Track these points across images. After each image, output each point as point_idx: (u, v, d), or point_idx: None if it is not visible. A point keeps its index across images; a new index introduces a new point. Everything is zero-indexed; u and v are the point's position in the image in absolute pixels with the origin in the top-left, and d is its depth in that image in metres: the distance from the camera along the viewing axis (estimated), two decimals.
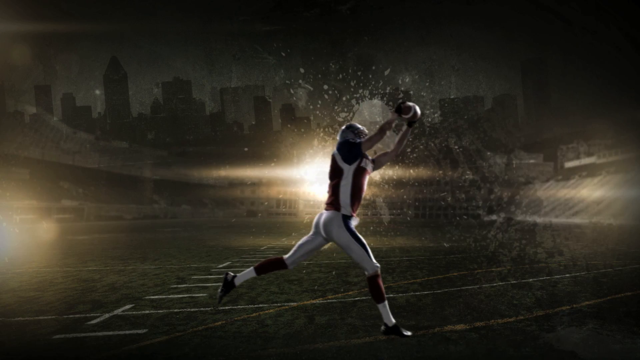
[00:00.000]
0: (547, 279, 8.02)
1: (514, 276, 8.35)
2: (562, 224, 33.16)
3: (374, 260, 4.13)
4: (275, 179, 72.38)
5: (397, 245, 15.33)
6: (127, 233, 25.51)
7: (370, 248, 4.28)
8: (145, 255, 12.76)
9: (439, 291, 6.97)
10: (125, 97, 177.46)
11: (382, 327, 4.19)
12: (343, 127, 4.44)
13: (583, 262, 10.29)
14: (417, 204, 70.80)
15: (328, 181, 4.23)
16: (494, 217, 42.47)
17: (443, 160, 68.19)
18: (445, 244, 14.38)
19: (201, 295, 6.91)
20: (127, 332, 4.94)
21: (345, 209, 4.03)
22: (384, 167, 4.44)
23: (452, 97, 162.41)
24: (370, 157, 4.35)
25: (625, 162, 53.93)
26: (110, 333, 4.90)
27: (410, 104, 4.22)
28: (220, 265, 10.42)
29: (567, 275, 8.56)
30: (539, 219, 39.22)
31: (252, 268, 4.41)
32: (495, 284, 7.60)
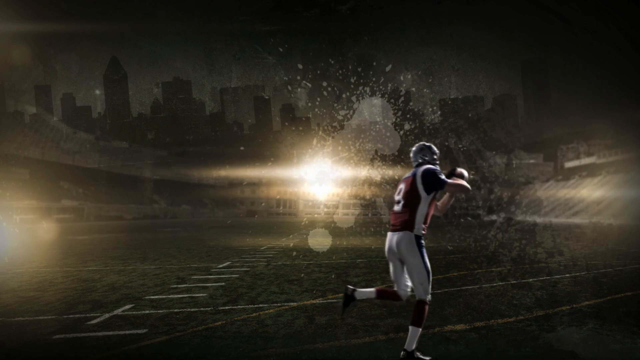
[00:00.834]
0: (547, 279, 8.02)
1: (514, 276, 8.35)
2: (562, 224, 33.14)
3: (430, 290, 4.23)
4: (275, 179, 72.31)
5: None
6: (127, 233, 25.51)
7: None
8: (145, 255, 12.76)
9: (439, 291, 6.97)
10: (125, 97, 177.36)
11: (402, 353, 4.06)
12: (421, 145, 4.42)
13: (583, 262, 10.28)
14: None
15: (399, 200, 4.26)
16: (494, 217, 42.46)
17: (443, 160, 68.09)
18: (449, 247, 14.38)
19: (201, 295, 6.91)
20: (127, 332, 4.94)
21: (419, 230, 4.19)
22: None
23: (452, 97, 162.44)
24: None
25: (625, 162, 53.86)
26: (110, 333, 4.90)
27: (463, 170, 4.33)
28: (220, 265, 10.41)
29: (567, 275, 8.55)
30: (539, 219, 39.18)
31: (374, 289, 4.38)
32: (495, 284, 7.60)
